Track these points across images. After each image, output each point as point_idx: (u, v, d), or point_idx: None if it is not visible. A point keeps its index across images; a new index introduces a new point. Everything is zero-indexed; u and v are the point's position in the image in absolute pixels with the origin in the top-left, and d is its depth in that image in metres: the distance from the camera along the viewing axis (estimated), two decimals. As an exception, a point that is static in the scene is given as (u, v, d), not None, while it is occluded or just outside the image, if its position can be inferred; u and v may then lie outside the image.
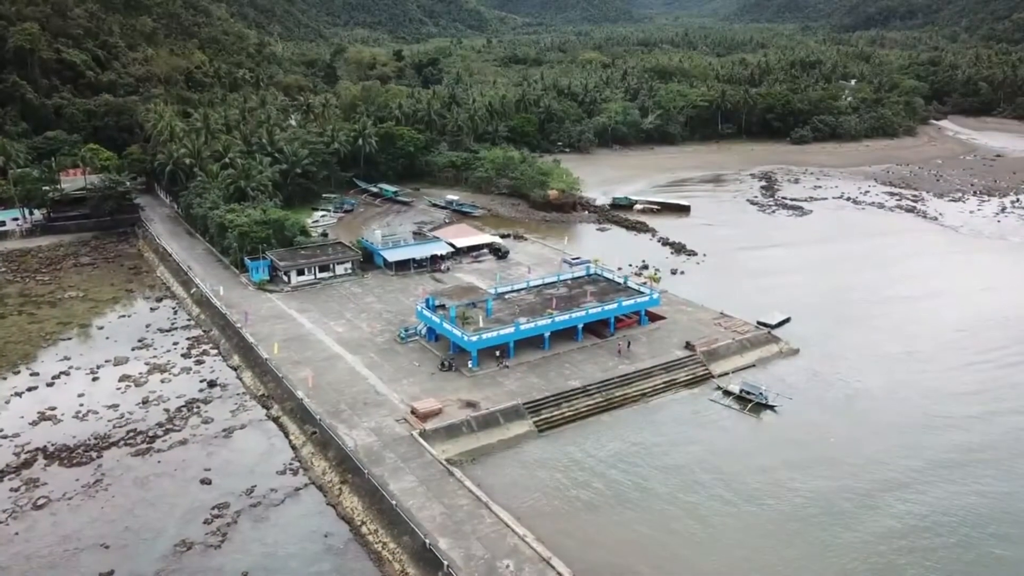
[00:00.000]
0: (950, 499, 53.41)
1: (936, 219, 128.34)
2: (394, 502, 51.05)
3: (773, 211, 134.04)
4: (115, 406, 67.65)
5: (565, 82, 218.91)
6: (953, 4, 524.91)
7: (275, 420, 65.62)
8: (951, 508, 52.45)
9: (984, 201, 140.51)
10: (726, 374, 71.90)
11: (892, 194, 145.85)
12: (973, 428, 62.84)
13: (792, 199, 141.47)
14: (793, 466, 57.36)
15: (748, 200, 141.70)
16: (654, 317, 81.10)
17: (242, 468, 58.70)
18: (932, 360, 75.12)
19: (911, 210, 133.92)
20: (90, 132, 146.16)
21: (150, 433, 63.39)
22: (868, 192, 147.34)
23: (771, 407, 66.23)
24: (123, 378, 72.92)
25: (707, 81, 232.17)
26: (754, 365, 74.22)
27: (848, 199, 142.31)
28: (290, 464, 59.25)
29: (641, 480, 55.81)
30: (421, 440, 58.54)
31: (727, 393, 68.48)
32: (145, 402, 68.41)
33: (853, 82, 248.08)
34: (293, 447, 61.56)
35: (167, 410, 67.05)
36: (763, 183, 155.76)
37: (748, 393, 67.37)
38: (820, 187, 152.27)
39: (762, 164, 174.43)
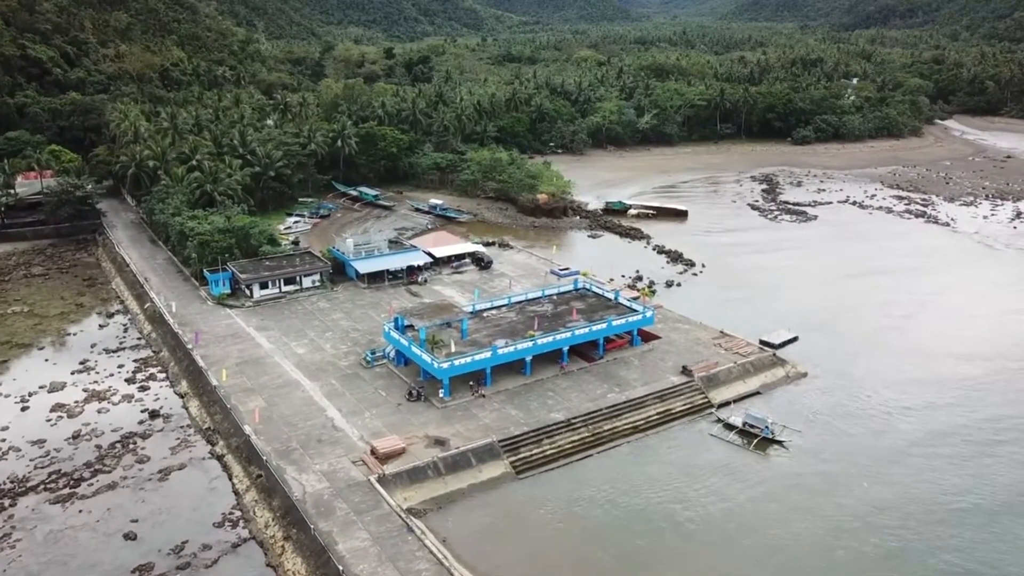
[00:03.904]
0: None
1: (948, 225, 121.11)
2: (341, 567, 43.59)
3: (775, 216, 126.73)
4: (41, 442, 60.10)
5: (558, 80, 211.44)
6: (953, 2, 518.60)
7: (219, 459, 58.14)
8: None
9: (997, 205, 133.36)
10: (727, 403, 64.53)
11: (900, 198, 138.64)
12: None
13: (795, 203, 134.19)
14: (815, 523, 49.70)
15: (749, 204, 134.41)
16: (648, 337, 73.69)
17: (175, 519, 51.20)
18: (966, 388, 67.49)
19: (921, 215, 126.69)
20: (55, 132, 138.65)
21: (75, 475, 55.86)
22: (875, 196, 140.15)
23: (779, 442, 58.89)
24: (56, 407, 65.32)
25: (705, 79, 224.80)
26: (759, 392, 66.84)
27: (854, 203, 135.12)
28: (230, 514, 51.75)
29: (634, 538, 48.27)
30: (379, 487, 51.03)
31: (729, 427, 61.10)
32: (76, 437, 60.84)
33: (855, 81, 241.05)
34: (236, 492, 54.09)
35: (99, 447, 59.51)
36: (764, 186, 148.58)
37: (752, 426, 60.02)
38: (824, 190, 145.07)
39: (763, 166, 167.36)
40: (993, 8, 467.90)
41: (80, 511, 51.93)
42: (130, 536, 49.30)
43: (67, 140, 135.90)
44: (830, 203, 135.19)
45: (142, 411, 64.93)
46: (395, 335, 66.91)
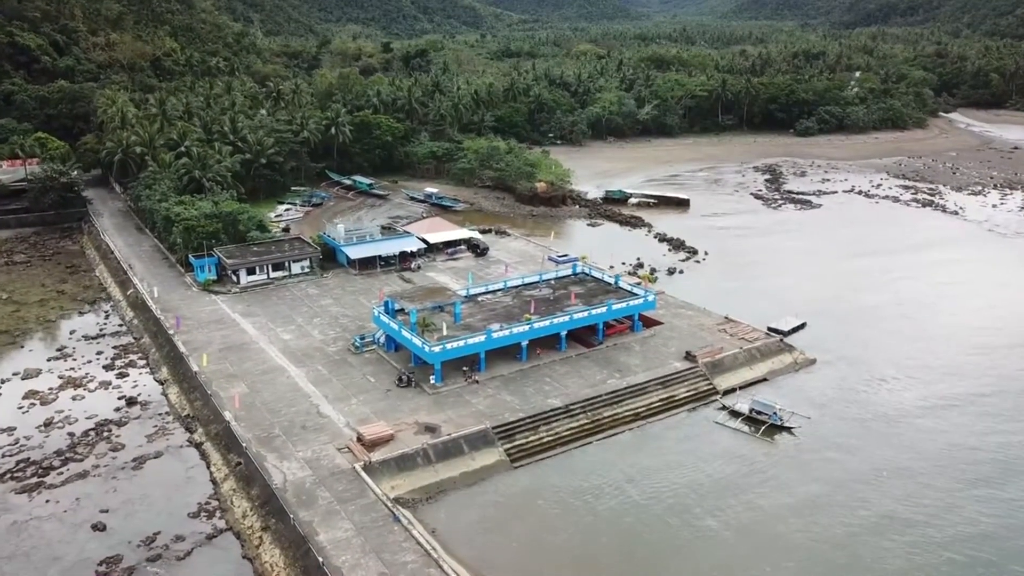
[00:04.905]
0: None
1: (957, 213, 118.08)
2: (321, 558, 40.53)
3: (779, 205, 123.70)
4: (11, 429, 57.11)
5: (557, 71, 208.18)
6: (955, 0, 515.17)
7: (198, 447, 55.11)
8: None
9: (1007, 194, 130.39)
10: (733, 390, 61.48)
11: (906, 187, 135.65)
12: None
13: (799, 192, 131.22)
14: (831, 513, 46.58)
15: (752, 194, 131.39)
16: (649, 322, 70.62)
17: (147, 509, 48.20)
18: (981, 374, 64.47)
19: (928, 204, 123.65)
20: (43, 120, 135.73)
21: (45, 463, 52.84)
22: (880, 185, 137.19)
23: (787, 429, 55.86)
24: (29, 394, 62.31)
25: (706, 71, 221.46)
26: (765, 379, 63.77)
27: (859, 192, 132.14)
28: (206, 504, 48.70)
29: (636, 530, 45.26)
30: (364, 475, 47.99)
31: (735, 414, 58.04)
32: (48, 424, 57.83)
33: (858, 74, 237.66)
34: (213, 481, 51.05)
35: (71, 434, 56.49)
36: (767, 176, 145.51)
37: (759, 413, 56.99)
38: (828, 180, 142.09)
39: (765, 157, 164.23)
40: (995, 6, 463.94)
41: (47, 501, 48.96)
42: (99, 527, 46.31)
43: (55, 128, 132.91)
44: (835, 192, 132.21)
45: (119, 398, 61.97)
46: (385, 319, 63.84)
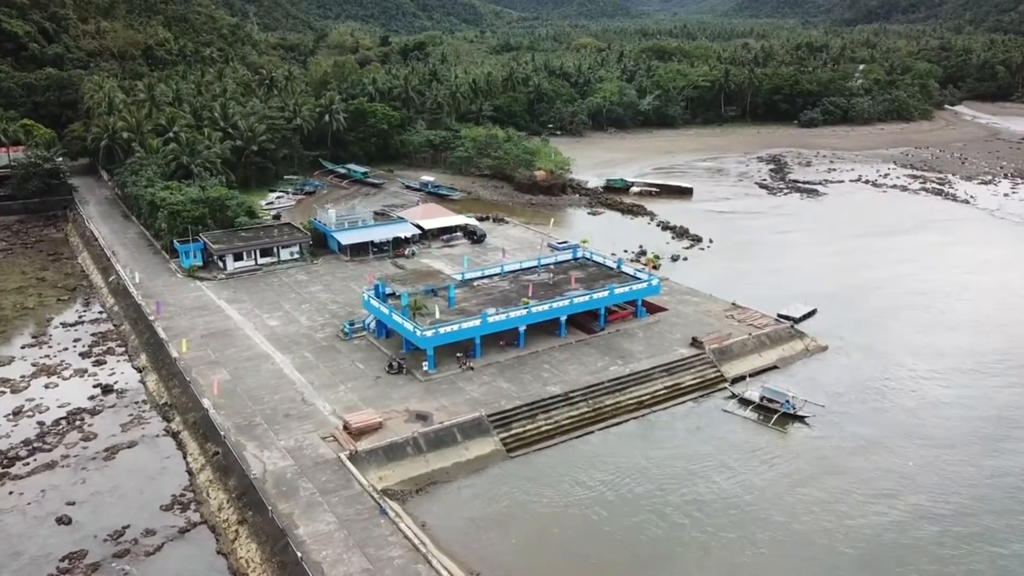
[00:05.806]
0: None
1: (967, 202, 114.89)
2: (300, 553, 37.31)
3: (785, 194, 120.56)
4: (-23, 418, 53.90)
5: (557, 62, 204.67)
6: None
7: (174, 436, 51.92)
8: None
9: (1017, 184, 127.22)
10: (742, 377, 58.25)
11: (915, 177, 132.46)
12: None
13: (805, 182, 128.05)
14: (849, 508, 43.32)
15: (757, 183, 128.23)
16: (653, 308, 67.39)
17: (118, 501, 45.06)
18: (999, 360, 61.17)
19: (938, 193, 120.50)
20: (30, 108, 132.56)
21: (11, 454, 49.76)
22: (888, 175, 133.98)
23: (800, 418, 52.64)
24: (-1, 382, 59.16)
25: (709, 62, 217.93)
26: (776, 366, 60.54)
27: (867, 182, 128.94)
28: (181, 496, 45.47)
29: (640, 525, 42.02)
30: (350, 465, 44.79)
31: (744, 402, 54.82)
32: (17, 413, 54.68)
33: (862, 66, 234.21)
34: (189, 472, 47.85)
35: (41, 423, 53.35)
36: (772, 166, 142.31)
37: (771, 401, 53.76)
38: (834, 170, 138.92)
39: (769, 147, 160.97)
40: (997, 2, 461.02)
41: (11, 493, 45.84)
42: (64, 520, 43.13)
43: (42, 116, 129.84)
44: (842, 182, 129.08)
45: (94, 386, 58.88)
46: (375, 303, 60.61)
